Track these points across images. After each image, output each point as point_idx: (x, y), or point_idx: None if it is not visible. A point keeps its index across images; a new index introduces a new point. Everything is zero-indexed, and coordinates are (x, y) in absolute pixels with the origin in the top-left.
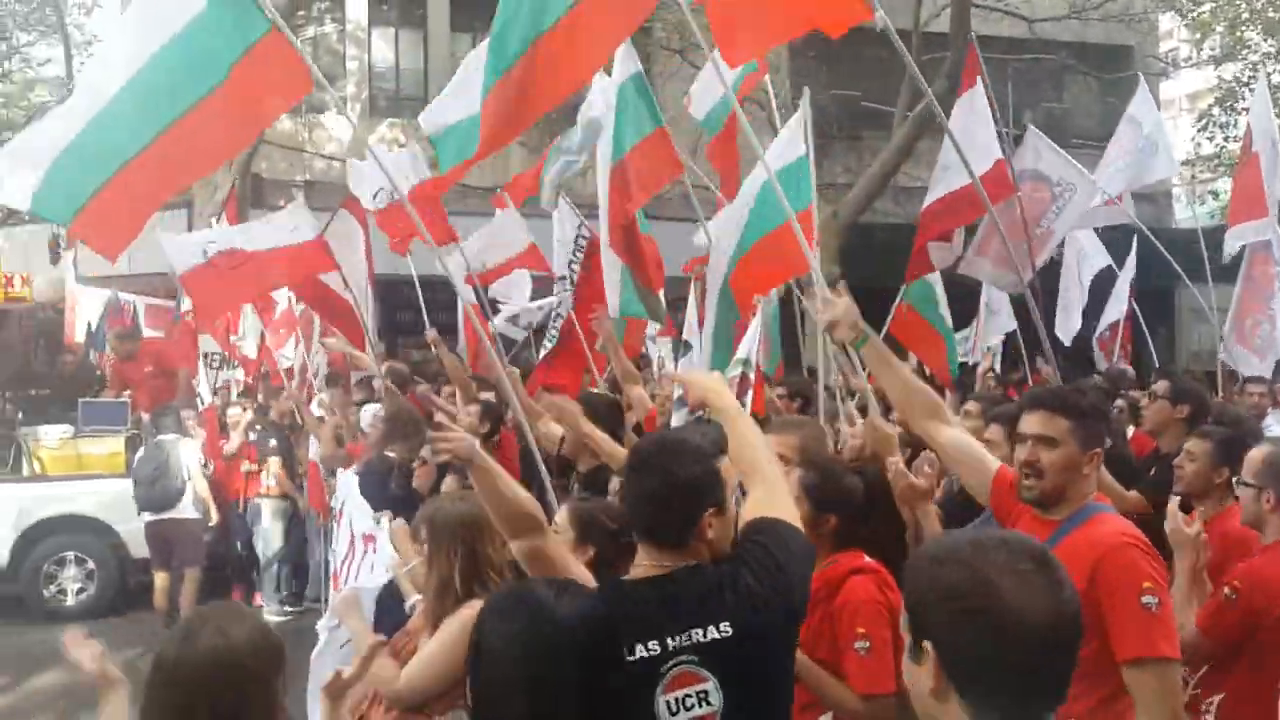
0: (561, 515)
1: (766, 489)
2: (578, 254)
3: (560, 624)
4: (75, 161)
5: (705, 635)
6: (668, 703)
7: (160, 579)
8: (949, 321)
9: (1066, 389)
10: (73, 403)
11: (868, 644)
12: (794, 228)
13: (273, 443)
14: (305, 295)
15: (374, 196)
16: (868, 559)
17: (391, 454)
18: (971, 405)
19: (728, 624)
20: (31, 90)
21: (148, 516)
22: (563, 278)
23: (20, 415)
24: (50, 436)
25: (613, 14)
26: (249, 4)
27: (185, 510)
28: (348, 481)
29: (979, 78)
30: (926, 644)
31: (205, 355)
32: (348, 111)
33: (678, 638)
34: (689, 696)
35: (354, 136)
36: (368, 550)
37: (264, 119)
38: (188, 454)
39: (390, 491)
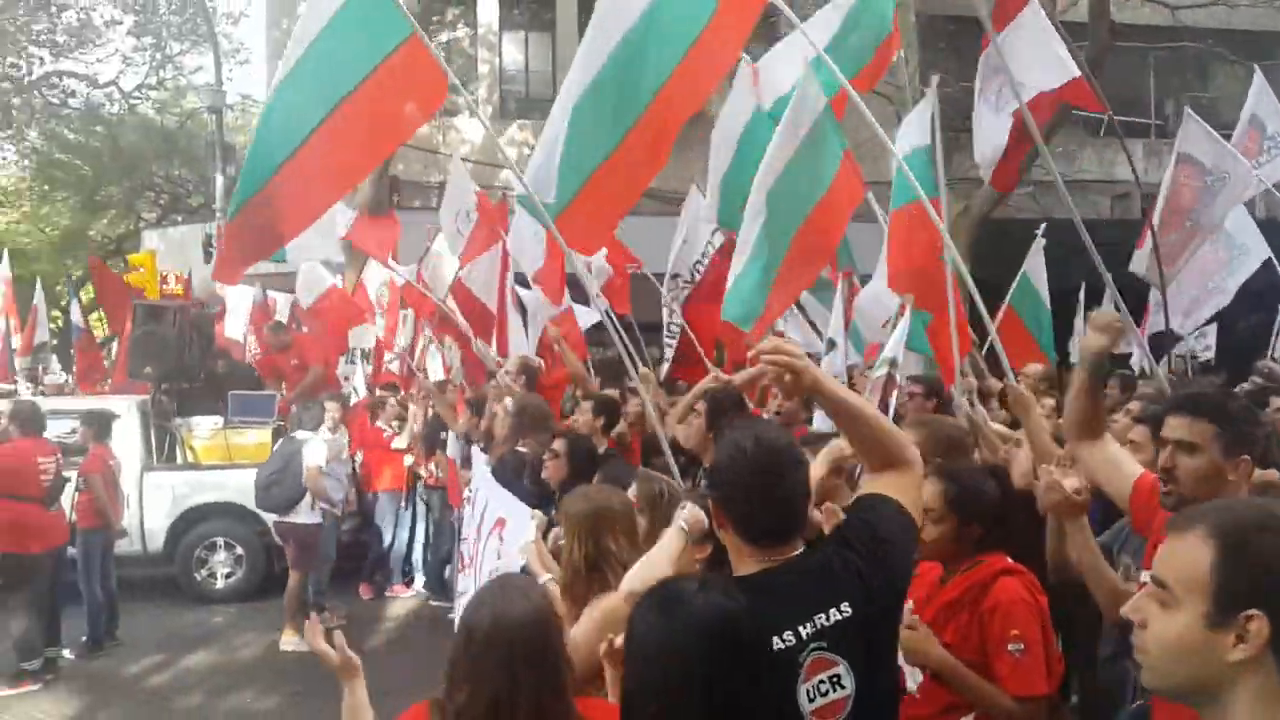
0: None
1: (904, 473)
2: (704, 258)
3: (703, 619)
4: (244, 171)
5: (829, 619)
6: (806, 690)
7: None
8: (1047, 324)
9: (1214, 391)
10: (224, 395)
11: (1021, 645)
12: (925, 209)
13: (441, 436)
14: (459, 296)
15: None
16: (1011, 560)
17: (523, 449)
18: (1134, 404)
19: (847, 604)
20: (184, 97)
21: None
22: (675, 275)
23: (175, 407)
24: (202, 428)
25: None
26: (390, 10)
27: (300, 515)
28: (482, 469)
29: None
30: (1254, 614)
31: (362, 351)
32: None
33: (808, 625)
34: (823, 682)
35: (485, 138)
36: (493, 534)
37: (405, 127)
38: (313, 454)
39: (523, 487)
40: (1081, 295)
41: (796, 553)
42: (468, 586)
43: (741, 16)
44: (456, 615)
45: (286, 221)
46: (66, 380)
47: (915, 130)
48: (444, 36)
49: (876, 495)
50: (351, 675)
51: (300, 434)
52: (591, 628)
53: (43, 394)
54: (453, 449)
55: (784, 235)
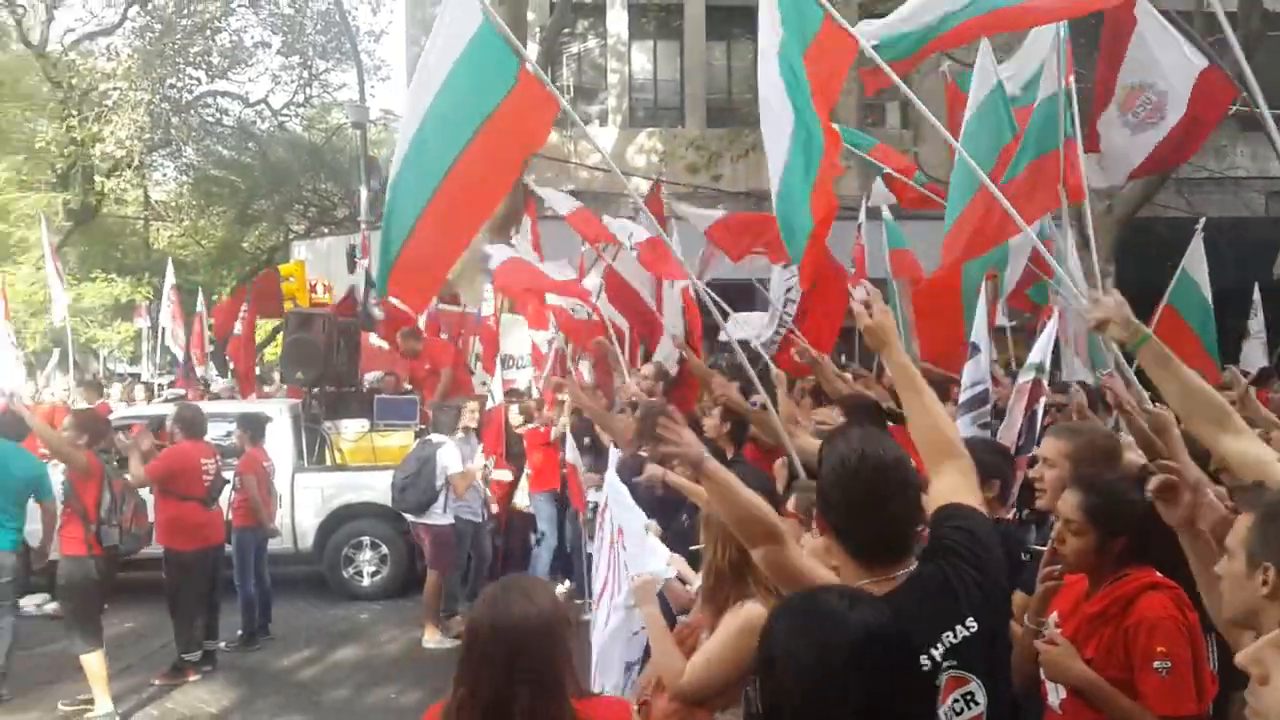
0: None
1: (959, 472)
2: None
3: (854, 636)
4: (388, 222)
5: (957, 635)
6: (944, 712)
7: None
8: (1211, 324)
9: None
10: (369, 399)
11: (1169, 664)
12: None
13: (586, 440)
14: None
15: None
16: (1159, 575)
17: (645, 453)
18: None
19: (972, 619)
20: (329, 113)
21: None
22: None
23: (324, 411)
24: (350, 430)
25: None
26: (501, 53)
27: (434, 516)
28: (612, 476)
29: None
30: None
31: (503, 357)
32: (613, 121)
33: (939, 644)
34: (957, 701)
35: (615, 146)
36: (618, 543)
37: (523, 154)
38: (448, 457)
39: (651, 493)
40: (1256, 295)
41: (909, 570)
42: (597, 591)
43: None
44: (589, 616)
45: (439, 261)
46: (233, 386)
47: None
48: (575, 48)
49: (961, 504)
50: None
51: (435, 437)
52: (728, 641)
53: (217, 398)
54: (572, 454)
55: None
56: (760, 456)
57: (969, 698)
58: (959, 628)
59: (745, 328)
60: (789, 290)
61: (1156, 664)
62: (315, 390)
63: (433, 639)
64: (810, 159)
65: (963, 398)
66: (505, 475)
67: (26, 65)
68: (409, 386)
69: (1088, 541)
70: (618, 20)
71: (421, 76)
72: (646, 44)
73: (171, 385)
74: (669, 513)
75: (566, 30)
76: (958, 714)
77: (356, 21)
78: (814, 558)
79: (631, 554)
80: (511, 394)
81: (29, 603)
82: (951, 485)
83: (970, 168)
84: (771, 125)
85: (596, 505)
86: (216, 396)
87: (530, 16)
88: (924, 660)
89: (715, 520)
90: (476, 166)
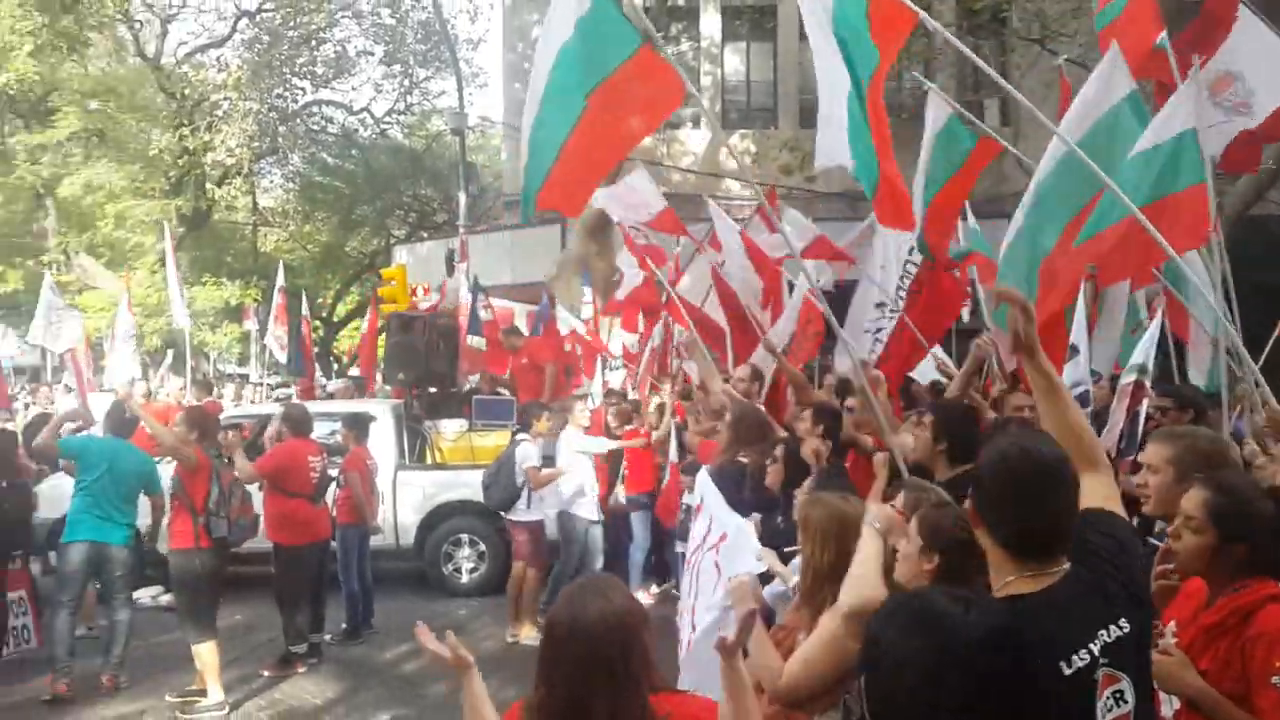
0: (912, 524)
1: (1100, 478)
2: (910, 268)
3: (971, 639)
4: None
5: (1110, 634)
6: (1099, 708)
7: (516, 567)
8: None
9: None
10: (468, 400)
11: None
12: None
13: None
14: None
15: None
16: None
17: (743, 459)
18: None
19: (1124, 619)
20: (428, 120)
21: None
22: (881, 304)
23: (424, 411)
24: (449, 430)
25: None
26: (620, 25)
27: (518, 513)
28: (704, 479)
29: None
30: None
31: (602, 357)
32: (705, 123)
33: (1096, 642)
34: (1109, 698)
35: (708, 149)
36: (716, 547)
37: (637, 133)
38: (524, 454)
39: (744, 497)
40: None
41: (1065, 568)
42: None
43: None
44: (678, 618)
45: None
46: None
47: (1170, 116)
48: (668, 51)
49: (1104, 510)
50: (465, 671)
51: (522, 435)
52: (826, 643)
53: (331, 397)
54: (674, 454)
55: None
56: (859, 461)
57: (1119, 696)
58: (1113, 627)
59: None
60: (901, 277)
61: (1275, 679)
62: (416, 391)
63: (529, 636)
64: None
65: None
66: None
67: (142, 78)
68: (503, 390)
69: (1205, 541)
70: (711, 23)
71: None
72: (739, 45)
73: (282, 385)
74: (765, 514)
75: (659, 34)
76: (1108, 710)
77: (455, 30)
78: (904, 563)
79: (727, 556)
80: (610, 395)
81: (144, 595)
82: (1093, 490)
83: (1102, 183)
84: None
85: (689, 507)
86: (331, 396)
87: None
88: (1082, 655)
89: (814, 521)
90: (588, 136)
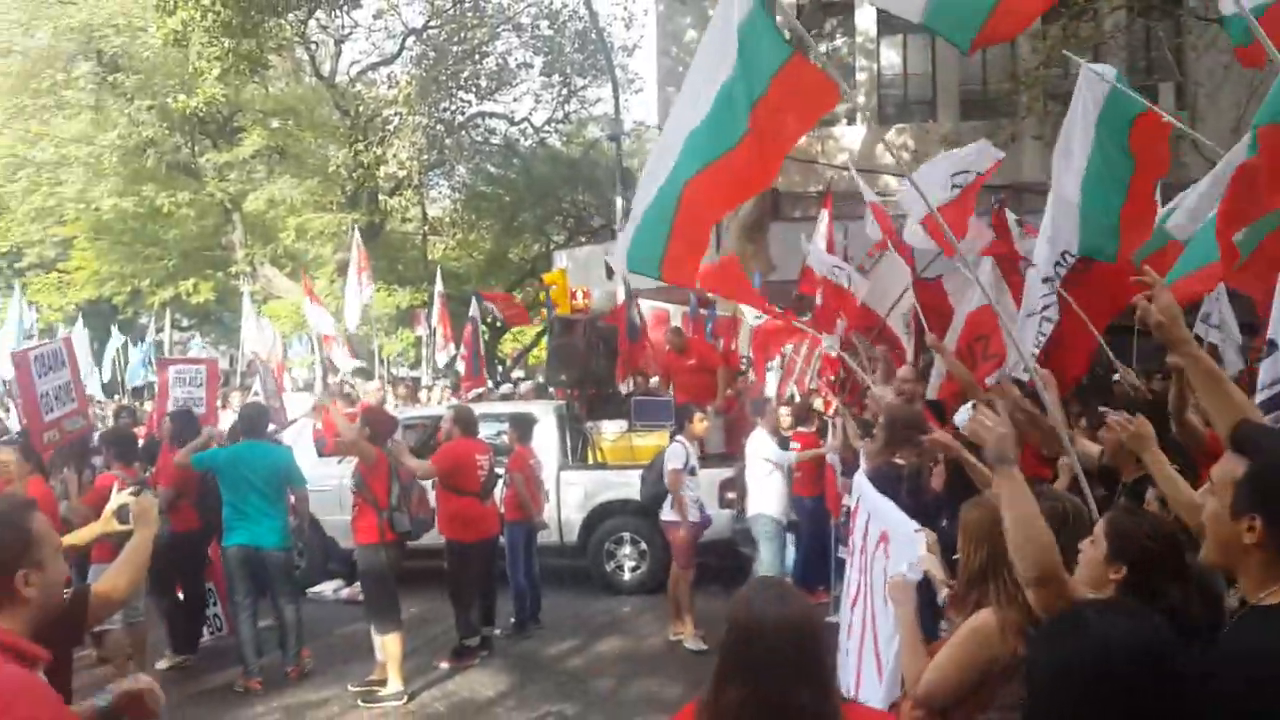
0: (1099, 526)
1: None
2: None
3: (1111, 649)
4: (655, 214)
5: None
6: None
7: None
8: None
9: None
10: (628, 401)
11: None
12: None
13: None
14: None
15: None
16: None
17: (900, 460)
18: None
19: None
20: (585, 128)
21: None
22: (1049, 279)
23: (586, 412)
24: (609, 430)
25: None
26: (772, 34)
27: (665, 513)
28: (861, 480)
29: None
30: None
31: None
32: (861, 119)
33: None
34: None
35: (863, 145)
36: (879, 549)
37: (792, 137)
38: (669, 456)
39: (900, 499)
40: None
41: None
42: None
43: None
44: (836, 619)
45: (699, 242)
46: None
47: None
48: (822, 47)
49: None
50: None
51: (680, 437)
52: (957, 647)
53: (521, 398)
54: (832, 457)
55: None
56: (1038, 464)
57: None
58: None
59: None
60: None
61: None
62: (577, 392)
63: (688, 635)
64: None
65: (1259, 399)
66: None
67: (319, 96)
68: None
69: None
70: (866, 17)
71: (701, 65)
72: (896, 39)
73: (457, 389)
74: (929, 516)
75: (814, 30)
76: None
77: (610, 37)
78: (1086, 568)
79: (894, 558)
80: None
81: (327, 588)
82: None
83: None
84: None
85: (848, 510)
86: (507, 397)
87: (778, 20)
88: None
89: (971, 522)
90: (743, 153)
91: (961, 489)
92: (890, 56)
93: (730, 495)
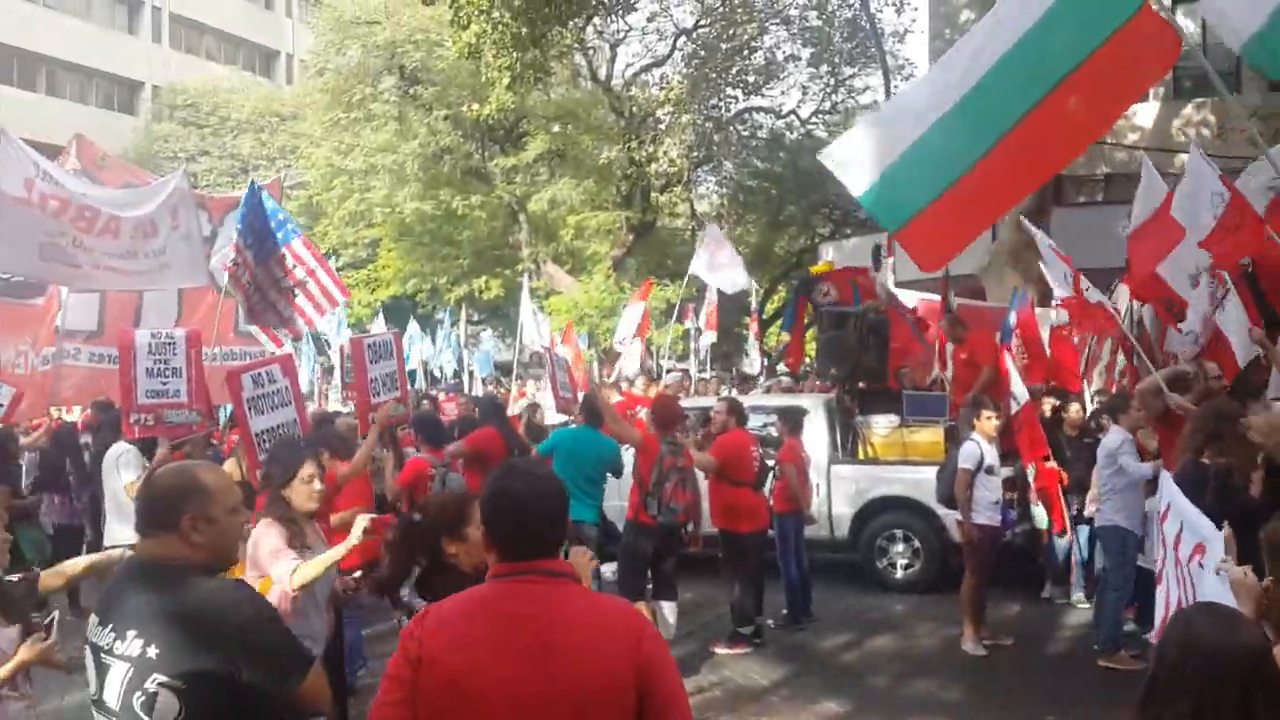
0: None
1: None
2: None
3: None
4: (913, 169)
5: None
6: None
7: None
8: None
9: None
10: (899, 395)
11: None
12: None
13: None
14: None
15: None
16: None
17: (1206, 460)
18: None
19: None
20: (853, 117)
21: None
22: None
23: (856, 405)
24: (880, 425)
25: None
26: None
27: (959, 515)
28: (1168, 482)
29: None
30: None
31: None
32: (1153, 94)
33: None
34: None
35: (1156, 122)
36: (1193, 560)
37: (1130, 96)
38: (965, 456)
39: (1205, 502)
40: None
41: None
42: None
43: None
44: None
45: (970, 224)
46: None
47: None
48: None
49: None
50: None
51: (974, 435)
52: None
53: (782, 391)
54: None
55: None
56: None
57: None
58: None
59: None
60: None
61: None
62: (847, 386)
63: (968, 641)
64: None
65: None
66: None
67: (595, 100)
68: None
69: None
70: None
71: (993, 26)
72: (1191, 5)
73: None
74: (1242, 524)
75: None
76: None
77: (881, 24)
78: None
79: (1207, 570)
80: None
81: (606, 570)
82: None
83: None
84: None
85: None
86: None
87: None
88: None
89: (1274, 544)
90: (1057, 117)
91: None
92: (1187, 25)
93: (1010, 495)
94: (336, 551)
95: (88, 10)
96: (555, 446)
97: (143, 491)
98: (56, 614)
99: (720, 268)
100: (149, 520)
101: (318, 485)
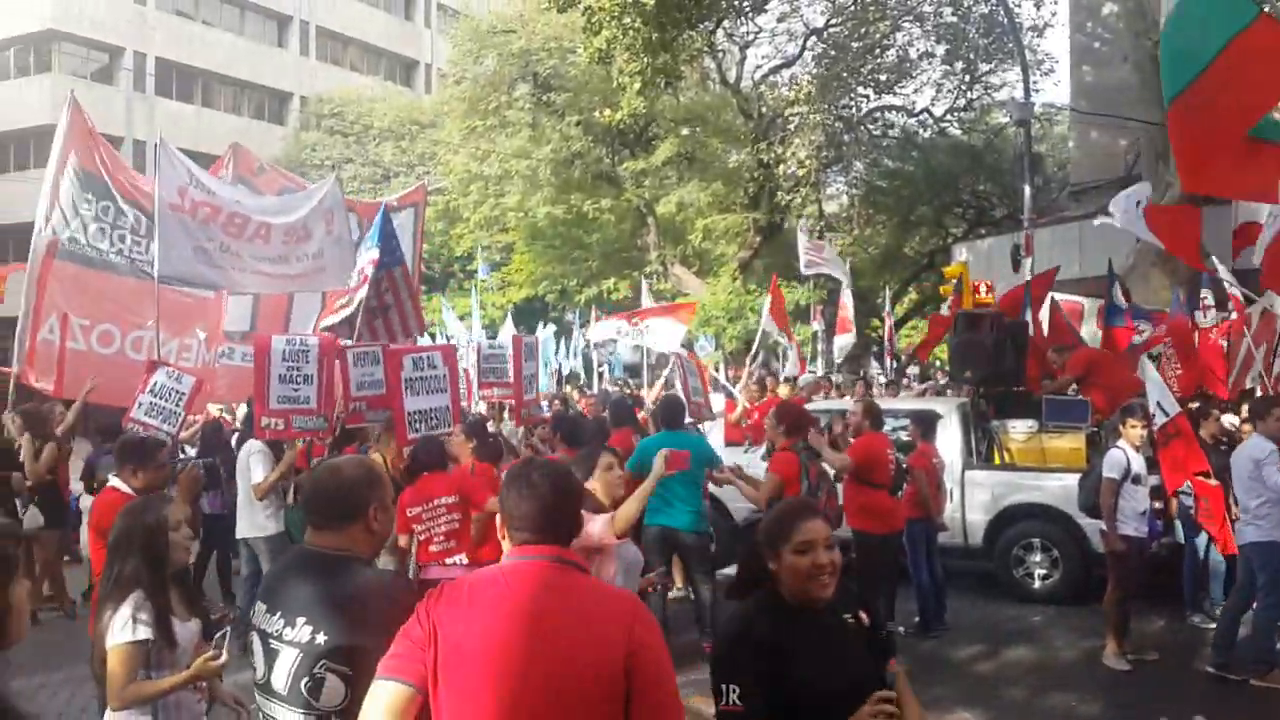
0: None
1: None
2: None
3: None
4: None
5: None
6: None
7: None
8: None
9: None
10: (1037, 400)
11: None
12: None
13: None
14: None
15: None
16: None
17: None
18: None
19: None
20: (988, 114)
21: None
22: None
23: (992, 410)
24: (1018, 430)
25: None
26: None
27: (1103, 524)
28: None
29: None
30: None
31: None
32: None
33: None
34: None
35: None
36: None
37: (1250, 114)
38: (1110, 464)
39: None
40: None
41: None
42: None
43: None
44: None
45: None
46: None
47: None
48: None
49: None
50: None
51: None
52: None
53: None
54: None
55: None
56: None
57: None
58: None
59: None
60: None
61: None
62: (983, 390)
63: (1110, 655)
64: None
65: None
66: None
67: (724, 102)
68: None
69: None
70: None
71: None
72: None
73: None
74: None
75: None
76: None
77: (1020, 18)
78: None
79: None
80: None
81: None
82: None
83: None
84: None
85: None
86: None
87: None
88: None
89: None
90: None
91: None
92: None
93: (1157, 504)
94: (646, 485)
95: (240, 26)
96: (640, 461)
97: (323, 485)
98: (229, 629)
99: (824, 263)
100: (332, 512)
101: (617, 472)
